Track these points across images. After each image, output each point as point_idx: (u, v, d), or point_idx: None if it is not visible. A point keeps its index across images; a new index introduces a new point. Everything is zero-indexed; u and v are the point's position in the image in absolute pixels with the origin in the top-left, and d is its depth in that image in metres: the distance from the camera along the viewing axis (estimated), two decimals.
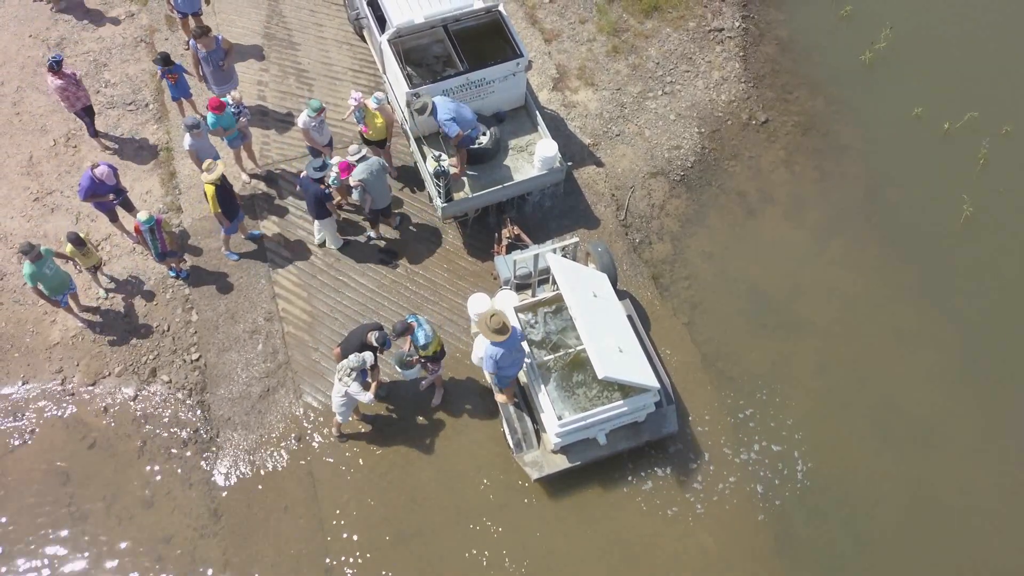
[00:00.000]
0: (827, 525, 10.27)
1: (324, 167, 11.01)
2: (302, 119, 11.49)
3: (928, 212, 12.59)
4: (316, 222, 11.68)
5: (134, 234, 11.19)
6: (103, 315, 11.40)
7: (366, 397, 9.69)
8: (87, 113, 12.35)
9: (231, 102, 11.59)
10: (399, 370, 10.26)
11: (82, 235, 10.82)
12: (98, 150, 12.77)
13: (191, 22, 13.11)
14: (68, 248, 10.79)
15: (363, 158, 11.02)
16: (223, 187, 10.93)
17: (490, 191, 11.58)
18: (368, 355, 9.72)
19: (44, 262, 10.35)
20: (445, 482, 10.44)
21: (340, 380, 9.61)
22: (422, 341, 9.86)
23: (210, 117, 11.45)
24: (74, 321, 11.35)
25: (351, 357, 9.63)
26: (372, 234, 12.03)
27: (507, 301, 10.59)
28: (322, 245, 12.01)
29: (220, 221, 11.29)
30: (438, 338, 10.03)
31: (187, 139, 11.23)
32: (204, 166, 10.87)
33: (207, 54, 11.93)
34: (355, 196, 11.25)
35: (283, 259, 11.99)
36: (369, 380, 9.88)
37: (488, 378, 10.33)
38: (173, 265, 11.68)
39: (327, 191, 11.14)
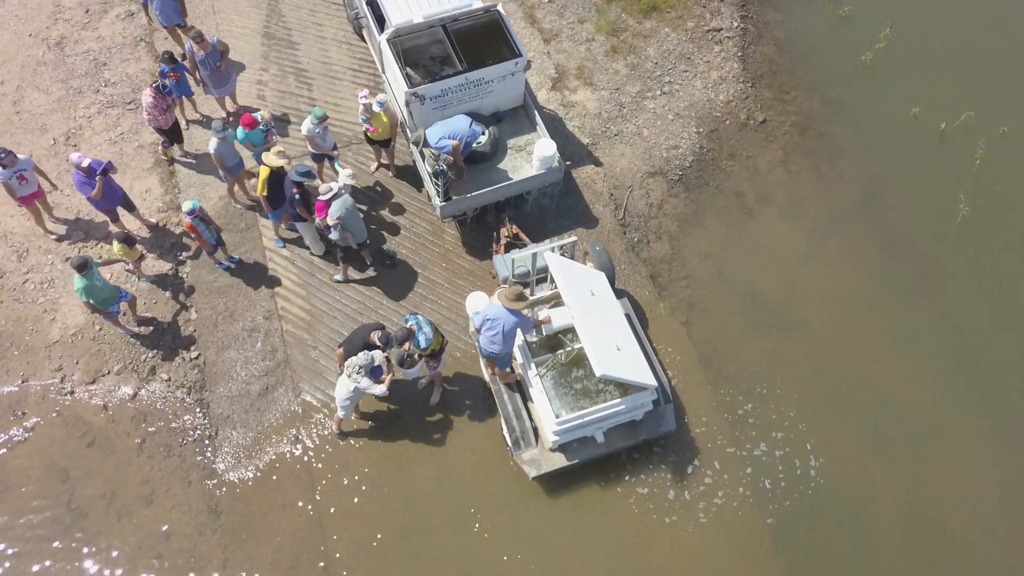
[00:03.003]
0: (824, 524, 10.31)
1: (308, 174, 10.89)
2: (306, 127, 11.45)
3: (925, 212, 12.64)
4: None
5: (188, 231, 11.10)
6: (102, 316, 11.41)
7: (379, 389, 9.77)
8: (164, 133, 12.28)
9: (262, 120, 11.56)
10: (401, 369, 10.31)
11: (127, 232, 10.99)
12: (95, 147, 12.79)
13: (178, 32, 13.19)
14: (117, 248, 10.83)
15: (336, 196, 10.70)
16: (277, 173, 10.99)
17: (489, 190, 11.61)
18: (377, 353, 9.80)
19: (93, 274, 10.34)
20: (443, 480, 10.48)
21: (349, 376, 9.66)
22: (423, 345, 9.91)
23: (239, 132, 11.47)
24: (74, 319, 11.38)
25: (360, 355, 9.70)
26: (339, 277, 11.74)
27: None
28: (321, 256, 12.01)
29: (264, 206, 11.39)
30: (438, 335, 10.08)
31: (213, 142, 11.30)
32: (274, 150, 10.97)
33: (204, 57, 11.98)
34: (334, 235, 10.88)
35: (282, 258, 12.02)
36: (383, 375, 9.92)
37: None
38: (221, 259, 11.76)
39: (297, 197, 10.95)
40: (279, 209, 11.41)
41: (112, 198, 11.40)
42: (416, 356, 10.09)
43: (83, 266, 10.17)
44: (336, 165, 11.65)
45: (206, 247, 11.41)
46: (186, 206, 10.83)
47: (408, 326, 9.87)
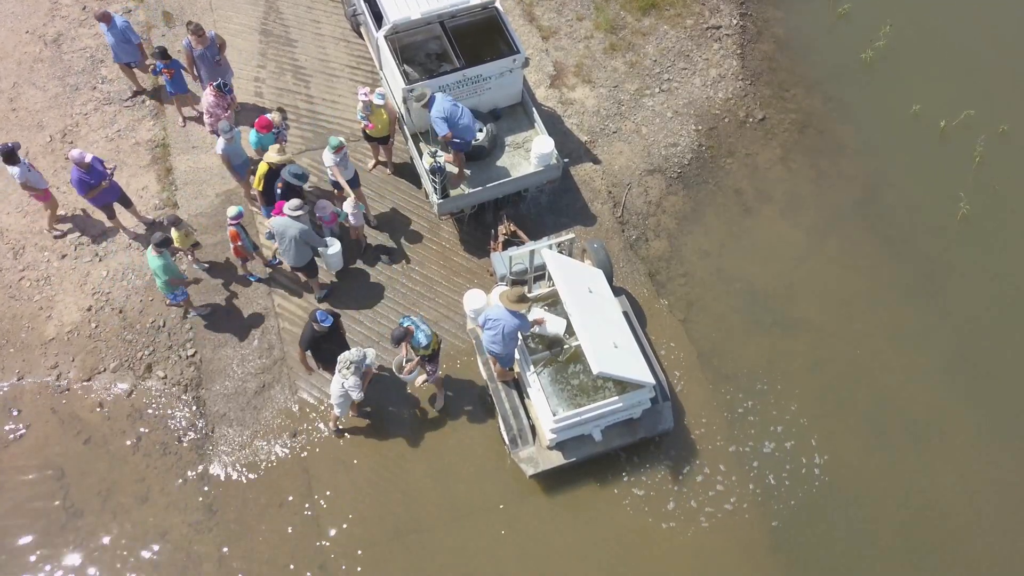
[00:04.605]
0: (823, 523, 10.26)
1: (301, 176, 10.83)
2: (327, 158, 11.21)
3: (925, 210, 12.59)
4: None
5: (232, 239, 11.03)
6: (98, 312, 11.38)
7: (356, 395, 9.72)
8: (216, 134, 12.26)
9: (274, 123, 11.48)
10: (398, 375, 10.25)
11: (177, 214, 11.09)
12: (92, 144, 12.75)
13: (131, 69, 12.97)
14: (174, 234, 10.78)
15: (298, 217, 10.39)
16: (274, 172, 10.97)
17: (486, 188, 11.57)
18: (371, 351, 9.75)
19: (166, 254, 10.43)
20: (441, 478, 10.43)
21: (339, 372, 9.62)
22: (424, 342, 9.81)
23: (253, 135, 11.39)
24: (70, 316, 11.34)
25: (353, 351, 9.67)
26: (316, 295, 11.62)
27: None
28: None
29: (259, 201, 11.45)
30: (435, 335, 10.03)
31: (220, 143, 11.31)
32: (273, 148, 10.99)
33: (203, 51, 11.93)
34: (265, 235, 10.99)
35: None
36: (367, 375, 9.87)
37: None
38: (254, 270, 11.72)
39: (279, 192, 10.98)
40: (271, 207, 11.36)
41: (109, 194, 11.37)
42: (415, 361, 9.99)
43: (165, 243, 10.29)
44: (351, 205, 11.39)
45: (245, 255, 11.33)
46: (231, 211, 10.77)
47: (405, 326, 9.79)
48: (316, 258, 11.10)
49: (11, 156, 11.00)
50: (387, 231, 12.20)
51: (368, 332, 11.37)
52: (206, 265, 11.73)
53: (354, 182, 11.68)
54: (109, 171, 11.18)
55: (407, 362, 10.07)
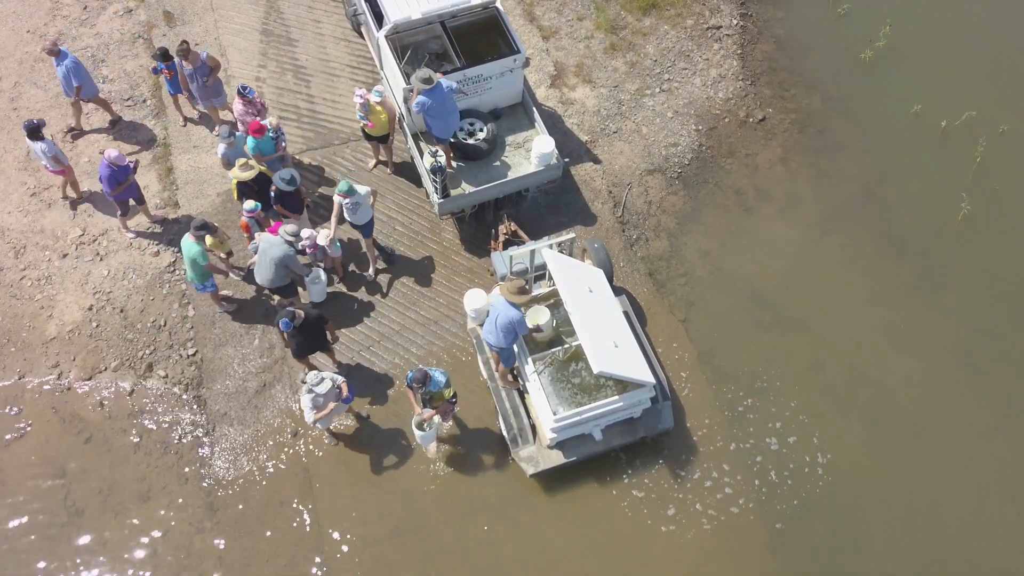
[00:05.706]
0: (823, 522, 10.26)
1: (291, 181, 10.82)
2: (336, 198, 11.01)
3: (925, 210, 12.59)
4: None
5: (243, 230, 11.10)
6: (99, 311, 11.40)
7: (307, 416, 9.66)
8: None
9: (270, 127, 11.47)
10: (417, 433, 10.09)
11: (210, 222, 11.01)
12: (93, 143, 12.76)
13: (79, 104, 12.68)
14: (209, 240, 10.72)
15: (289, 242, 10.39)
16: (245, 184, 11.03)
17: (487, 187, 11.58)
18: (325, 383, 9.52)
19: (203, 242, 10.47)
20: (440, 478, 10.45)
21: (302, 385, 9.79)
22: (443, 380, 9.63)
23: (250, 142, 11.35)
24: (71, 316, 11.36)
25: (312, 374, 9.65)
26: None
27: None
28: None
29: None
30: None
31: (221, 148, 11.37)
32: (238, 163, 10.98)
33: (192, 71, 11.93)
34: (250, 246, 11.07)
35: None
36: (323, 404, 9.73)
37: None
38: None
39: (272, 194, 11.07)
40: (266, 212, 11.37)
41: (130, 190, 11.46)
42: (429, 413, 9.82)
43: (204, 227, 10.36)
44: (323, 237, 11.25)
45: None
46: (248, 204, 10.80)
47: (423, 368, 9.57)
48: (300, 287, 11.22)
49: (36, 132, 11.14)
50: (388, 230, 12.21)
51: (368, 331, 11.39)
52: (241, 273, 11.71)
53: (367, 230, 11.29)
54: (132, 166, 11.24)
55: (423, 419, 9.93)
